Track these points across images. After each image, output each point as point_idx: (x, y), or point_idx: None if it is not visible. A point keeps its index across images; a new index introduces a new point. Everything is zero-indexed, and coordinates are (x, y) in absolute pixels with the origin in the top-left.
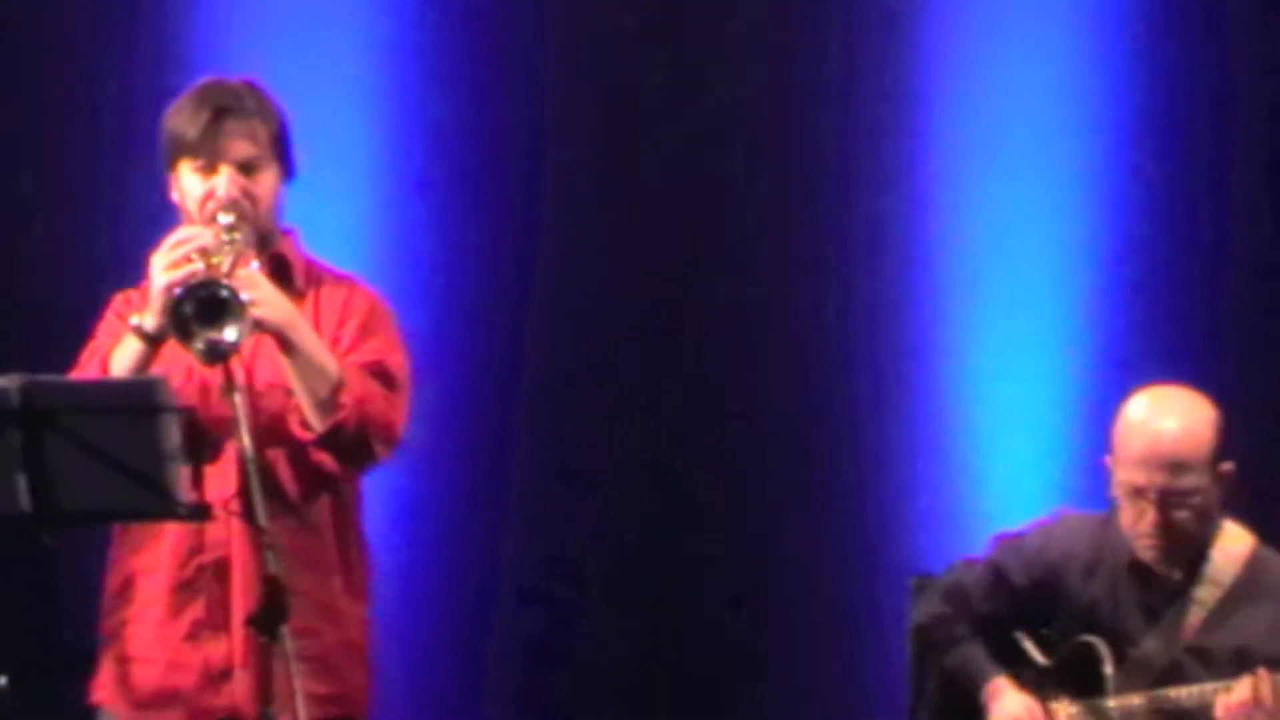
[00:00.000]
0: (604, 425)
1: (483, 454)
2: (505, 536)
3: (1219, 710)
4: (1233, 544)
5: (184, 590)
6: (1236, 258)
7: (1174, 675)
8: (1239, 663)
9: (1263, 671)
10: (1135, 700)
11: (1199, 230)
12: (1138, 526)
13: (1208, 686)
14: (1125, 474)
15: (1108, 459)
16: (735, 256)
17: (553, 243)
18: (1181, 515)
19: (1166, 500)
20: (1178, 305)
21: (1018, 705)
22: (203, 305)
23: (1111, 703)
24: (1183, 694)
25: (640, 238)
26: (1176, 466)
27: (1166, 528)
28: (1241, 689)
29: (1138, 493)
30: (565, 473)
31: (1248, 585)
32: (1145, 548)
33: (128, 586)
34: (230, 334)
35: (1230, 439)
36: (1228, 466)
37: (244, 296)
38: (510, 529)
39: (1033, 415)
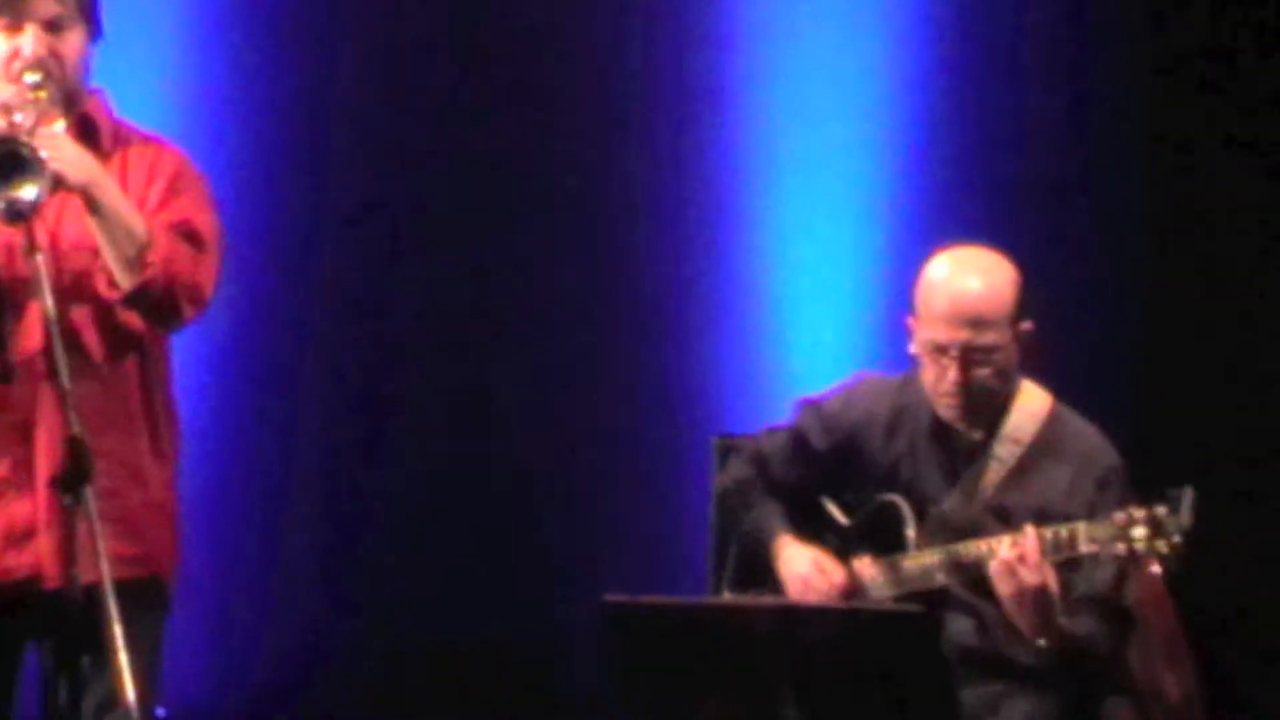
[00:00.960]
0: (397, 301)
1: (282, 323)
2: (302, 409)
3: (993, 566)
4: (1031, 403)
5: None
6: (1035, 120)
7: (974, 533)
8: (1037, 520)
9: (1029, 528)
10: (931, 557)
11: (999, 94)
12: (939, 385)
13: (998, 540)
14: (928, 332)
15: (910, 319)
16: (538, 136)
17: (350, 104)
18: (983, 372)
19: (968, 357)
20: (977, 170)
21: (804, 559)
22: (2, 163)
23: (909, 560)
24: (975, 549)
25: (438, 122)
26: (979, 323)
27: (967, 385)
28: (1007, 547)
29: (940, 350)
30: (365, 348)
31: (1046, 444)
32: (946, 406)
33: None
34: (29, 192)
35: (1031, 301)
36: (1028, 325)
37: (44, 155)
38: (308, 408)
39: (835, 280)
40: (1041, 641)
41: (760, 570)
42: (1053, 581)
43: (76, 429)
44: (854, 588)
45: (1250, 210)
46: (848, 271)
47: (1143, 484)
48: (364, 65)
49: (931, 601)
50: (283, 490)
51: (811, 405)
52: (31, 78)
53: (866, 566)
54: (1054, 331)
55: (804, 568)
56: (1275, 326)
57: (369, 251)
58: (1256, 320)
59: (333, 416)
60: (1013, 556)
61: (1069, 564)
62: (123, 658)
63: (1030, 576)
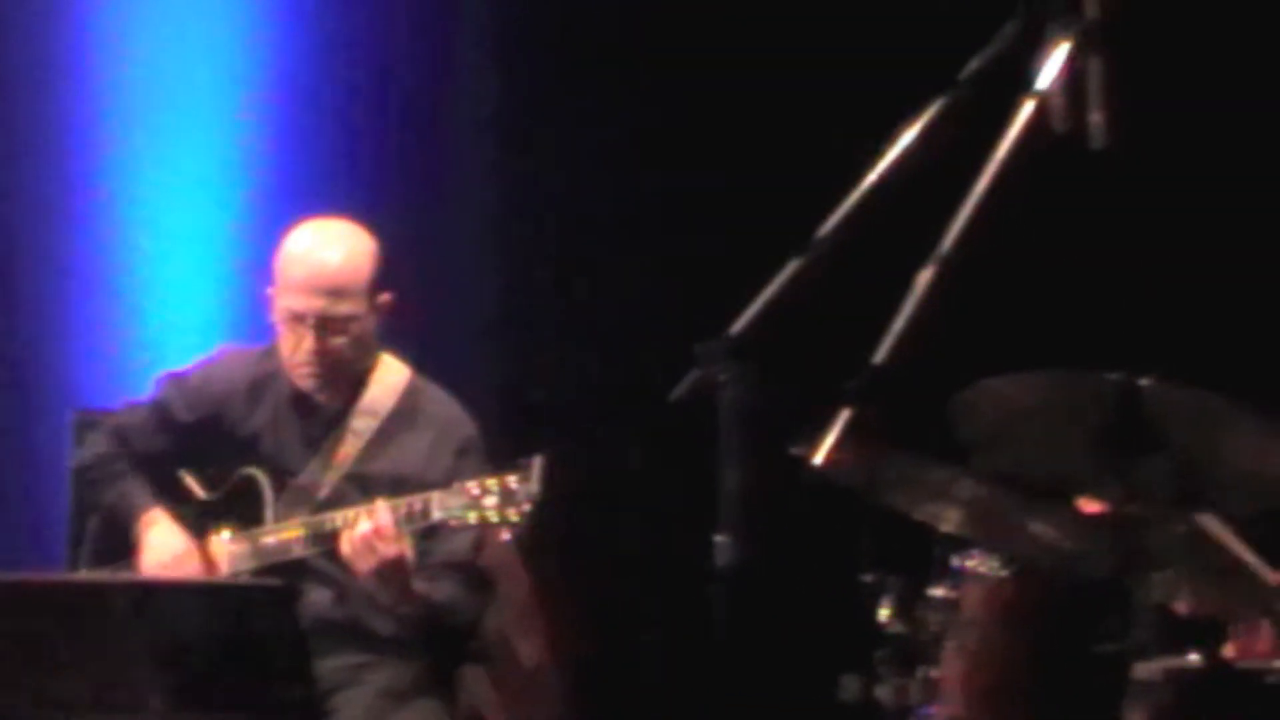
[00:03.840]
0: None
1: None
2: None
3: (344, 546)
4: (390, 375)
5: None
6: (401, 90)
7: (335, 503)
8: (397, 489)
9: (381, 502)
10: (291, 530)
11: (365, 59)
12: (296, 354)
13: (355, 512)
14: (286, 300)
15: (270, 289)
16: None
17: None
18: (339, 342)
19: (325, 326)
20: (341, 140)
21: (172, 541)
22: None
23: (268, 534)
24: (336, 517)
25: None
26: (335, 292)
27: (324, 354)
28: (364, 522)
29: (297, 319)
30: None
31: (405, 414)
32: (303, 375)
33: None
34: None
35: (392, 273)
36: (386, 297)
37: None
38: None
39: (195, 252)
40: (402, 609)
41: (121, 545)
42: (409, 551)
43: None
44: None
45: (599, 197)
46: (208, 243)
47: (502, 453)
48: None
49: (290, 573)
50: None
51: (174, 378)
52: None
53: (226, 542)
54: (417, 304)
55: (165, 556)
56: (626, 296)
57: None
58: (607, 294)
59: None
60: (368, 530)
61: (428, 531)
62: None
63: (386, 548)
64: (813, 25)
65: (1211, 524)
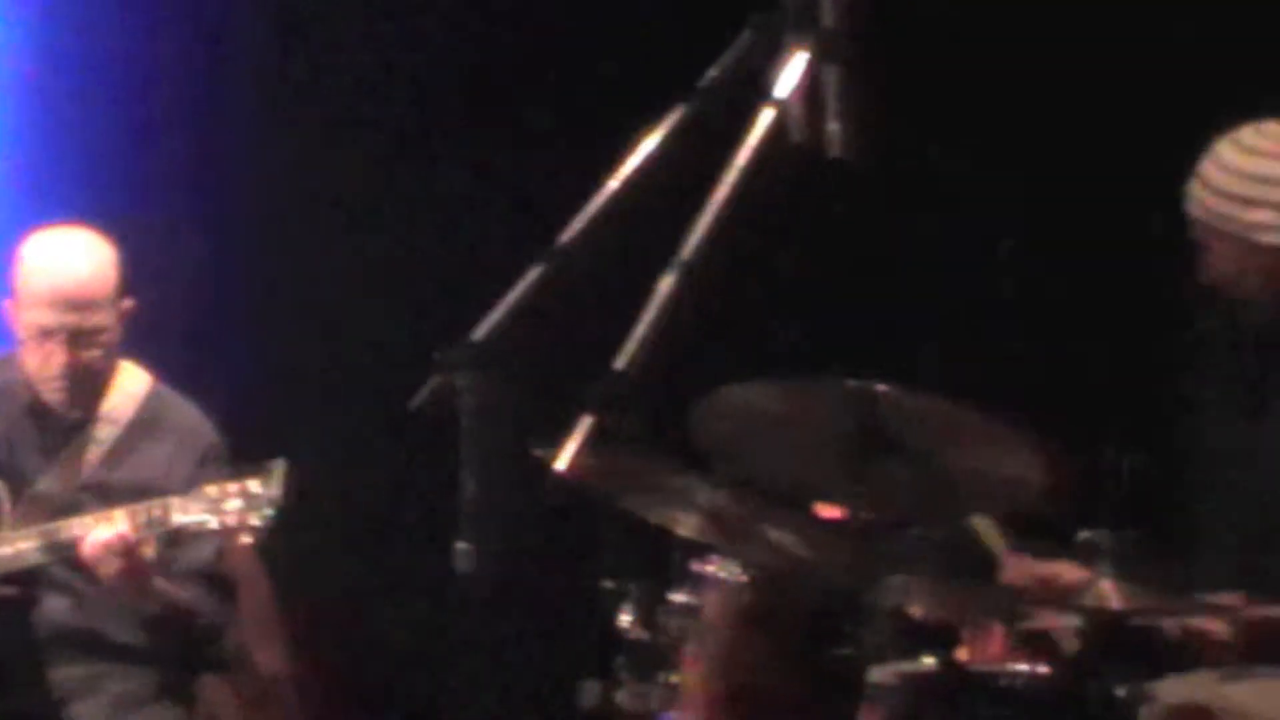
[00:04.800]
0: None
1: None
2: None
3: (85, 552)
4: (130, 383)
5: None
6: (148, 99)
7: (74, 512)
8: (139, 497)
9: (121, 508)
10: (27, 539)
11: (128, 73)
12: (46, 369)
13: (94, 519)
14: (32, 316)
15: (9, 303)
16: None
17: None
18: (91, 354)
19: (76, 340)
20: (71, 142)
21: None
22: None
23: (3, 541)
24: (74, 525)
25: None
26: (84, 305)
27: (75, 368)
28: (104, 528)
29: (46, 334)
30: None
31: (146, 422)
32: (53, 390)
33: None
34: None
35: (131, 278)
36: (129, 303)
37: None
38: None
39: None
40: (146, 609)
41: None
42: (150, 553)
43: None
44: None
45: (341, 202)
46: None
47: (246, 459)
48: None
49: (26, 582)
50: None
51: None
52: None
53: None
54: (159, 310)
55: None
56: (367, 301)
57: None
58: (348, 299)
59: None
60: (110, 536)
61: (172, 539)
62: None
63: (127, 554)
64: (555, 35)
65: (982, 525)
